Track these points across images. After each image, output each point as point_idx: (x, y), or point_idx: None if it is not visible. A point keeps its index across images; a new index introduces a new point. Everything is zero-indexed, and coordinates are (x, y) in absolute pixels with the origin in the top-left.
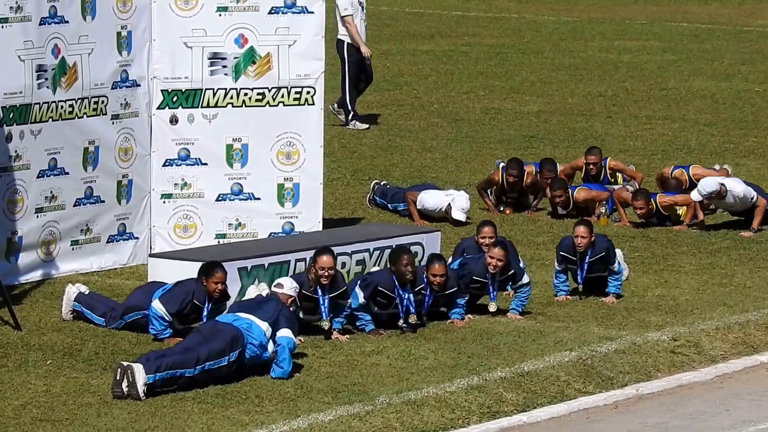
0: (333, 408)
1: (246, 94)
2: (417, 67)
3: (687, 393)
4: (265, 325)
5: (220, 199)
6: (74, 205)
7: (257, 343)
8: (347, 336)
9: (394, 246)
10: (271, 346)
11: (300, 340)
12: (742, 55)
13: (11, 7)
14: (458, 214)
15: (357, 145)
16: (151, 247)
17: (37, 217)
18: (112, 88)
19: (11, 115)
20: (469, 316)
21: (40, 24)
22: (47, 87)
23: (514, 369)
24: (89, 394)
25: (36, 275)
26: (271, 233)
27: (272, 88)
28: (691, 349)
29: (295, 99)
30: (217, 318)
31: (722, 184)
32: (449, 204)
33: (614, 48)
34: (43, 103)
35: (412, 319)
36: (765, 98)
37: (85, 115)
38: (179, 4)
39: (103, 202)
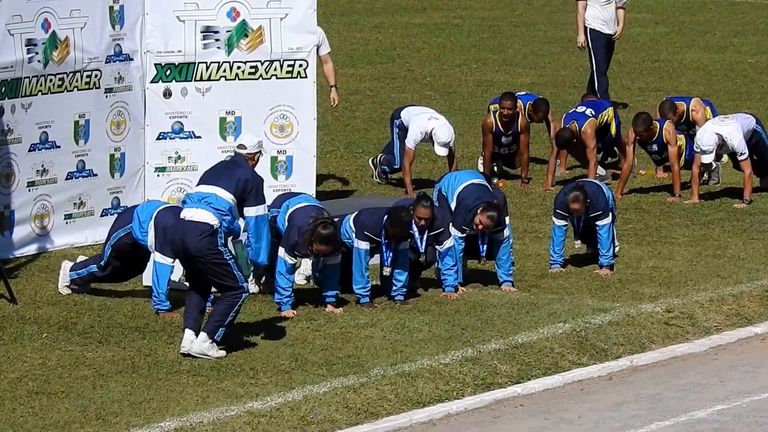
0: (327, 380)
1: (239, 68)
2: (409, 40)
3: (681, 364)
4: (229, 196)
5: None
6: (66, 179)
7: (226, 211)
8: (341, 309)
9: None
10: (241, 222)
11: (294, 313)
12: (734, 26)
13: None
14: (440, 150)
15: (350, 118)
16: None
17: (29, 191)
18: (106, 62)
19: (2, 89)
20: (463, 288)
21: None
22: (38, 61)
23: (508, 341)
24: (85, 367)
25: (31, 249)
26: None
27: (265, 61)
28: (684, 320)
29: (287, 72)
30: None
31: (719, 135)
32: (432, 133)
33: None
34: (33, 76)
35: (386, 271)
36: (757, 70)
37: (75, 89)
38: None
39: (96, 175)
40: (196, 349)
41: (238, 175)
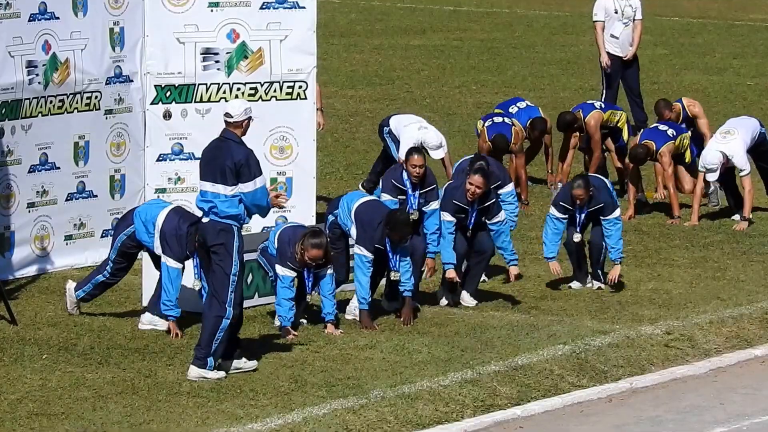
0: (327, 402)
1: (239, 89)
2: (409, 61)
3: (681, 387)
4: (228, 189)
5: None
6: (66, 200)
7: (233, 213)
8: (341, 330)
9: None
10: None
11: (294, 335)
12: (733, 48)
13: (0, 4)
14: (436, 154)
15: (350, 139)
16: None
17: (29, 212)
18: (106, 84)
19: (2, 111)
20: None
21: (30, 20)
22: (38, 83)
23: (508, 362)
24: (85, 389)
25: (31, 270)
26: (264, 227)
27: (264, 82)
28: (684, 342)
29: (287, 93)
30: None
31: (723, 154)
32: (423, 143)
33: None
34: (33, 98)
35: (396, 276)
36: (756, 92)
37: (75, 110)
38: (171, 0)
39: (96, 196)
40: (194, 374)
41: (226, 164)
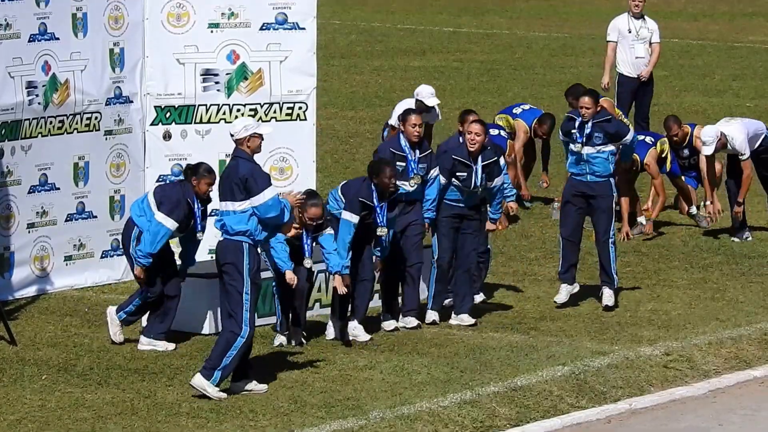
0: (326, 422)
1: (239, 110)
2: (409, 83)
3: (680, 408)
4: (238, 205)
5: (213, 214)
6: (66, 221)
7: (243, 230)
8: (347, 287)
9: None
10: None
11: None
12: (733, 70)
13: (0, 24)
14: (431, 101)
15: (350, 160)
16: None
17: (29, 232)
18: (106, 105)
19: (2, 131)
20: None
21: (30, 41)
22: (38, 103)
23: (507, 384)
24: (84, 409)
25: (31, 291)
26: None
27: (264, 103)
28: (683, 363)
29: (287, 114)
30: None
31: (722, 133)
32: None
33: None
34: (32, 118)
35: (382, 231)
36: (756, 113)
37: (75, 131)
38: (171, 21)
39: (96, 217)
40: (196, 382)
41: (233, 180)
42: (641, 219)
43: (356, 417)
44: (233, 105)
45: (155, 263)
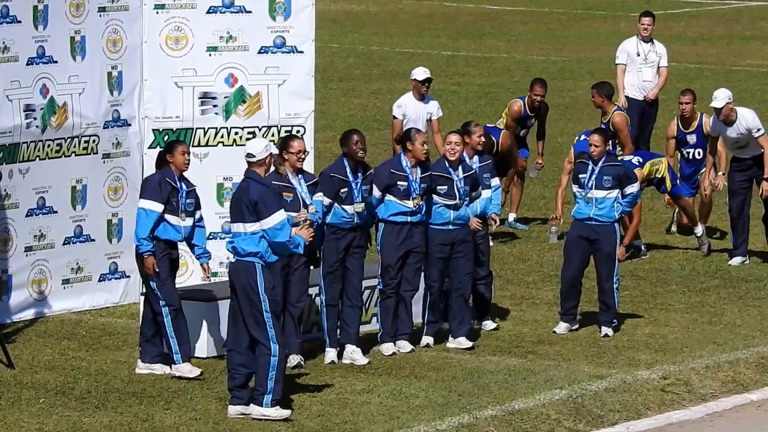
0: None
1: (237, 133)
2: None
3: (677, 431)
4: (249, 227)
5: (210, 237)
6: (64, 244)
7: (254, 250)
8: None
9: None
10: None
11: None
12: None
13: None
14: (421, 74)
15: None
16: (142, 286)
17: (27, 255)
18: (104, 128)
19: (0, 154)
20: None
21: (28, 64)
22: (36, 126)
23: (505, 407)
24: None
25: (28, 314)
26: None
27: (263, 126)
28: (680, 387)
29: None
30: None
31: (733, 107)
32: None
33: None
34: (30, 141)
35: (359, 207)
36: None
37: (73, 154)
38: (170, 44)
39: (93, 240)
40: (255, 413)
41: (243, 202)
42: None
43: None
44: (231, 128)
45: (164, 263)
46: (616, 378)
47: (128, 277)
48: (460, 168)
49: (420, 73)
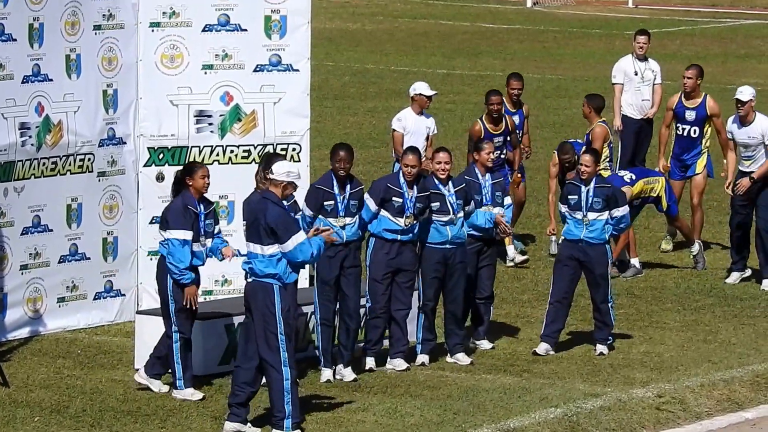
0: None
1: (232, 151)
2: None
3: None
4: (266, 249)
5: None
6: (59, 262)
7: (272, 272)
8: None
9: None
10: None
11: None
12: (726, 112)
13: None
14: (424, 88)
15: None
16: (138, 304)
17: (22, 274)
18: (99, 146)
19: None
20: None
21: (23, 82)
22: (31, 144)
23: (500, 426)
24: None
25: (23, 332)
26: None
27: (258, 145)
28: (676, 405)
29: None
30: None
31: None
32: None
33: None
34: (26, 160)
35: (341, 222)
36: None
37: (68, 172)
38: (165, 63)
39: (89, 259)
40: None
41: (261, 224)
42: (634, 261)
43: None
44: (227, 146)
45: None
46: (612, 396)
47: (123, 295)
48: (450, 183)
49: (426, 88)
